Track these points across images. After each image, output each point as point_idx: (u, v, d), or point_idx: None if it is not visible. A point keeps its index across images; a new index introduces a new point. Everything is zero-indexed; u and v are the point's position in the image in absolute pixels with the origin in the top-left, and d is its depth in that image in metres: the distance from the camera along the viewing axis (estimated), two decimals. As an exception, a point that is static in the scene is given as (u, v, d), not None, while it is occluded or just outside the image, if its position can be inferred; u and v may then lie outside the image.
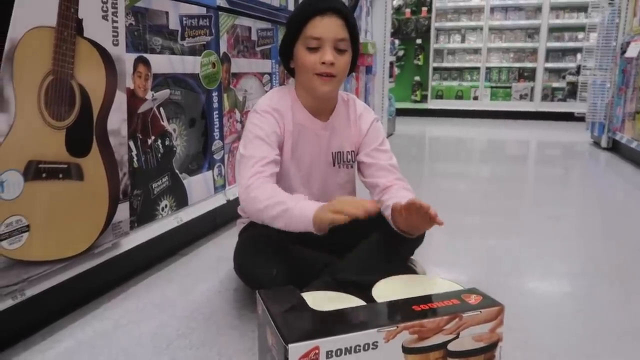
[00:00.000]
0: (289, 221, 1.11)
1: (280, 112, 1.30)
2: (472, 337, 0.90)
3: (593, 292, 1.50)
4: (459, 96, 7.59)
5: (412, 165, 3.70)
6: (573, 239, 2.03)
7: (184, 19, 1.66)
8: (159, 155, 1.58)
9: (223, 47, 1.91)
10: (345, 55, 1.27)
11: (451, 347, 0.88)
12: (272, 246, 1.25)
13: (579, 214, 2.49)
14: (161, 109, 1.58)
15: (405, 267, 1.41)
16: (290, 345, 0.77)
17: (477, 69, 7.47)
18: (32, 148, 1.09)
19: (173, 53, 1.62)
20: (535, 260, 1.76)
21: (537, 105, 7.12)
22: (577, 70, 6.78)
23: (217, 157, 1.94)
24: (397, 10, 7.73)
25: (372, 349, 0.82)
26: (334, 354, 0.80)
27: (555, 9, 7.04)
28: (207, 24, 1.79)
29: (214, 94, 1.88)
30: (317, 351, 0.79)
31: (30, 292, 1.13)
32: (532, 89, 7.19)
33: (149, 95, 1.51)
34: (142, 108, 1.49)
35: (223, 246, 1.84)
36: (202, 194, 1.85)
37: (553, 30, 7.06)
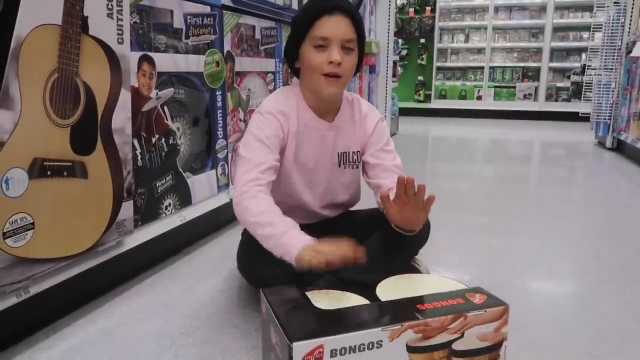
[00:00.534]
0: (275, 247, 1.10)
1: (285, 113, 1.29)
2: (477, 337, 0.90)
3: (597, 292, 1.50)
4: (463, 96, 7.58)
5: (416, 165, 3.69)
6: (577, 239, 2.03)
7: (189, 17, 1.66)
8: (163, 153, 1.58)
9: (227, 46, 1.91)
10: (352, 55, 1.26)
11: (456, 346, 0.88)
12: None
13: (583, 214, 2.48)
14: (165, 107, 1.58)
15: (409, 266, 1.41)
16: (294, 344, 0.77)
17: (481, 68, 7.45)
18: (37, 146, 1.09)
19: (177, 51, 1.62)
20: (539, 260, 1.75)
21: (541, 105, 7.10)
22: (582, 70, 6.76)
23: (220, 155, 1.94)
24: (401, 9, 7.72)
25: (377, 347, 0.82)
26: (338, 352, 0.80)
27: (560, 8, 7.01)
28: (212, 22, 1.79)
29: (218, 92, 1.88)
30: (321, 350, 0.78)
31: (35, 289, 1.14)
32: (536, 88, 7.16)
33: (153, 93, 1.51)
34: (147, 106, 1.49)
35: (226, 245, 1.84)
36: (206, 193, 1.85)
37: (557, 29, 7.04)
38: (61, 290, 1.22)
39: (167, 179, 1.62)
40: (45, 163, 1.11)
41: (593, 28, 5.27)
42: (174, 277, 1.57)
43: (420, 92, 7.79)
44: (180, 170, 1.69)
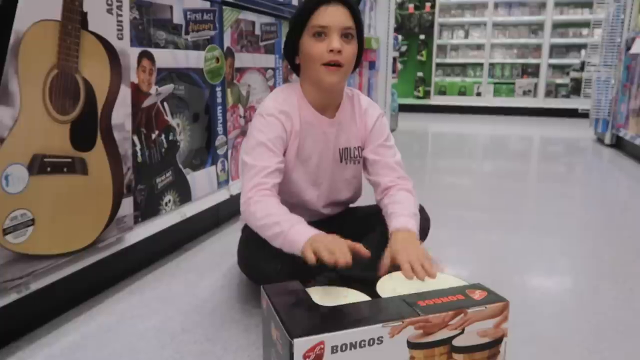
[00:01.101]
0: (283, 244, 1.11)
1: (287, 112, 1.28)
2: (477, 333, 0.90)
3: (597, 288, 1.50)
4: (462, 92, 7.57)
5: (415, 161, 3.70)
6: (577, 235, 2.03)
7: (188, 13, 1.65)
8: (163, 150, 1.58)
9: (227, 42, 1.91)
10: (352, 44, 1.25)
11: (456, 342, 0.88)
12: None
13: (582, 210, 2.48)
14: (165, 103, 1.57)
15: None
16: (295, 340, 0.77)
17: (481, 64, 7.44)
18: (37, 142, 1.09)
19: (177, 47, 1.62)
20: (539, 256, 1.76)
21: (540, 101, 7.10)
22: (582, 67, 6.76)
23: (220, 152, 1.94)
24: (401, 5, 7.70)
25: (377, 344, 0.82)
26: (339, 349, 0.80)
27: (560, 5, 7.00)
28: (211, 18, 1.79)
29: (218, 88, 1.87)
30: (322, 346, 0.78)
31: (35, 285, 1.14)
32: (536, 85, 7.16)
33: (153, 89, 1.51)
34: (146, 102, 1.48)
35: (226, 241, 1.84)
36: (206, 189, 1.85)
37: (557, 26, 7.03)
38: (61, 286, 1.22)
39: (167, 175, 1.62)
40: (45, 159, 1.11)
41: (593, 24, 5.28)
42: (174, 273, 1.57)
43: (420, 88, 7.78)
44: (180, 166, 1.68)
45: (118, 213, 1.35)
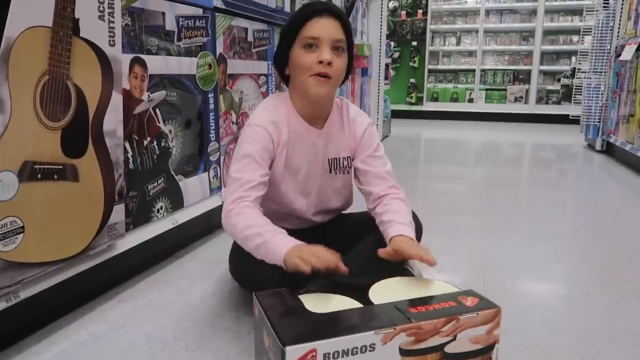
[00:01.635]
0: (266, 254, 1.13)
1: (276, 123, 1.29)
2: (469, 339, 0.90)
3: (588, 294, 1.51)
4: (454, 98, 7.61)
5: (408, 168, 3.71)
6: (568, 241, 2.04)
7: (181, 19, 1.65)
8: (155, 156, 1.58)
9: (219, 48, 1.91)
10: (342, 57, 1.26)
11: (448, 349, 0.88)
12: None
13: (573, 216, 2.50)
14: (157, 110, 1.57)
15: (402, 269, 1.41)
16: (287, 348, 0.77)
17: (472, 71, 7.49)
18: (28, 149, 1.08)
19: (169, 54, 1.62)
20: (530, 262, 1.76)
21: (531, 107, 7.15)
22: (572, 73, 6.81)
23: (212, 158, 1.93)
24: (393, 12, 7.74)
25: (370, 351, 0.82)
26: (331, 356, 0.79)
27: (550, 12, 7.07)
28: (204, 24, 1.79)
29: (210, 95, 1.87)
30: (314, 353, 0.78)
31: (25, 294, 1.12)
32: (527, 91, 7.22)
33: (145, 96, 1.50)
34: (138, 109, 1.48)
35: (219, 248, 1.83)
36: (198, 196, 1.85)
37: (548, 33, 7.10)
38: (52, 294, 1.21)
39: (159, 181, 1.61)
40: (35, 166, 1.10)
41: (583, 32, 5.32)
42: (166, 280, 1.56)
43: (412, 94, 7.81)
44: (172, 173, 1.68)
45: (109, 220, 1.34)
